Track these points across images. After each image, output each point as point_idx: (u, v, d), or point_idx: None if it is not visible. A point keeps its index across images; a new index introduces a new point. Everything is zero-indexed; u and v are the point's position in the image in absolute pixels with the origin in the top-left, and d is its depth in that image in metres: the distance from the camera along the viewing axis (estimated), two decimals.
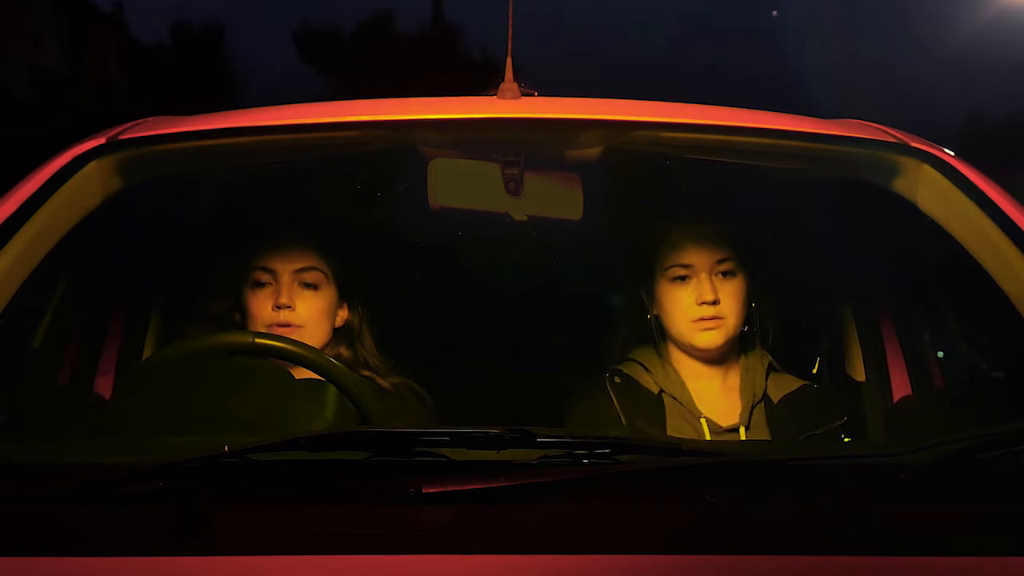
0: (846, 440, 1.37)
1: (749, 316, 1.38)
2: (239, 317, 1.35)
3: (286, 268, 1.34)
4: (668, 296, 1.36)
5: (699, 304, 1.34)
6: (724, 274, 1.35)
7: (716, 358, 1.38)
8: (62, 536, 0.80)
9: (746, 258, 1.38)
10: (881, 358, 1.51)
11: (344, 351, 1.37)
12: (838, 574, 0.78)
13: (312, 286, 1.34)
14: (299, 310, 1.32)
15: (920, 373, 1.50)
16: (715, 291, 1.33)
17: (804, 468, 0.89)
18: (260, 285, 1.33)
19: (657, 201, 1.45)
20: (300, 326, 1.32)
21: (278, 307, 1.31)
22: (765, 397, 1.37)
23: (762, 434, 1.34)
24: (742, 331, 1.38)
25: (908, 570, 0.78)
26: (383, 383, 1.36)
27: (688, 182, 1.41)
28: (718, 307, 1.33)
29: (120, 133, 1.27)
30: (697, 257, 1.35)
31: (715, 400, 1.38)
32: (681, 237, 1.37)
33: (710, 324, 1.34)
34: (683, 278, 1.35)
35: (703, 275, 1.34)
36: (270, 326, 1.30)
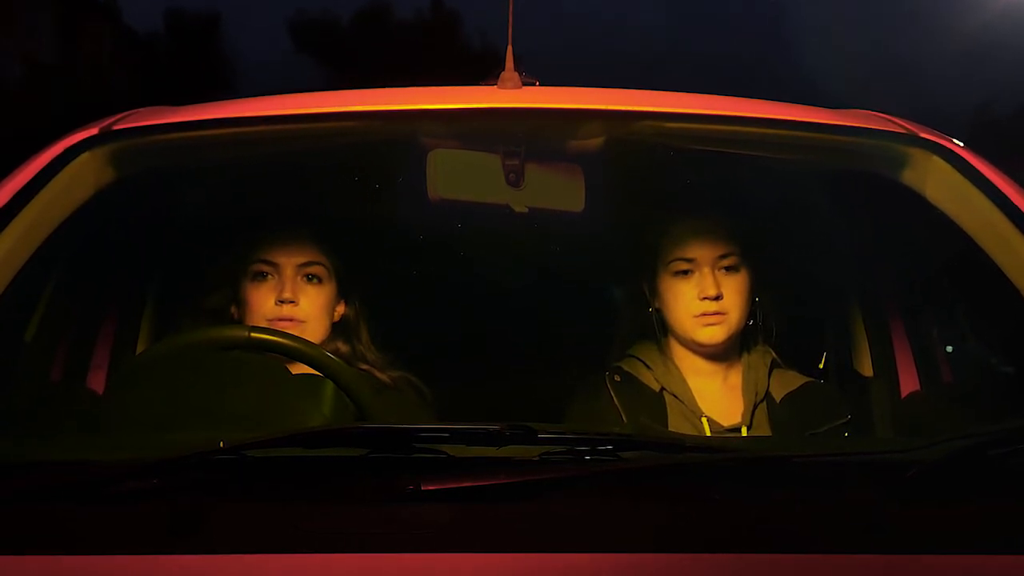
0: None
1: (753, 311, 1.37)
2: (236, 311, 1.33)
3: (289, 262, 1.31)
4: (670, 290, 1.35)
5: (701, 299, 1.32)
6: (727, 269, 1.33)
7: (718, 354, 1.37)
8: (55, 534, 0.78)
9: (750, 252, 1.36)
10: (889, 353, 1.50)
11: (341, 346, 1.35)
12: (844, 573, 0.76)
13: (315, 280, 1.32)
14: (302, 305, 1.30)
15: (928, 368, 1.49)
16: (718, 286, 1.32)
17: (810, 465, 0.88)
18: (261, 278, 1.31)
19: (660, 193, 1.44)
20: (303, 321, 1.30)
21: (281, 301, 1.29)
22: (768, 395, 1.36)
23: (764, 434, 1.32)
24: (746, 326, 1.37)
25: (916, 568, 0.77)
26: (382, 377, 1.34)
27: (692, 174, 1.39)
28: (720, 302, 1.32)
29: (113, 123, 1.25)
30: (700, 251, 1.34)
31: (717, 398, 1.36)
32: (684, 230, 1.35)
33: (712, 319, 1.32)
34: (685, 272, 1.34)
35: (706, 269, 1.33)
36: (272, 320, 1.28)
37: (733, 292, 1.33)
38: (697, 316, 1.33)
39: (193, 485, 0.82)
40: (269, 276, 1.31)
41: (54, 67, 12.61)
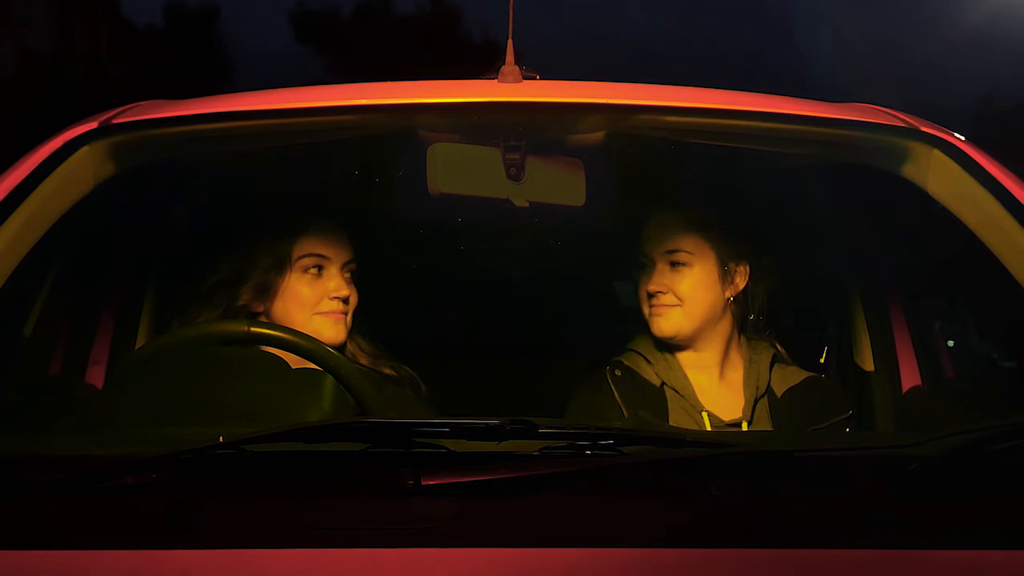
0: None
1: (751, 305, 1.36)
2: (254, 303, 1.30)
3: (338, 257, 1.32)
4: (639, 284, 1.37)
5: (649, 293, 1.34)
6: (673, 264, 1.35)
7: (719, 349, 1.36)
8: (53, 529, 0.78)
9: (750, 247, 1.35)
10: (890, 347, 1.50)
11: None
12: (845, 567, 0.76)
13: (353, 276, 1.33)
14: (351, 300, 1.32)
15: (930, 363, 1.49)
16: (659, 281, 1.34)
17: (811, 460, 0.87)
18: (311, 272, 1.31)
19: (651, 187, 1.44)
20: (348, 315, 1.31)
21: (336, 297, 1.30)
22: (769, 390, 1.36)
23: (765, 429, 1.33)
24: (748, 321, 1.37)
25: (917, 564, 0.77)
26: (381, 371, 1.34)
27: (691, 168, 1.39)
28: (666, 297, 1.34)
29: (113, 117, 1.24)
30: (650, 246, 1.36)
31: (718, 393, 1.36)
32: (645, 226, 1.37)
33: (658, 311, 1.35)
34: (643, 266, 1.36)
35: (654, 265, 1.35)
36: (325, 314, 1.29)
37: (682, 287, 1.34)
38: (648, 309, 1.35)
39: (192, 480, 0.82)
40: (320, 270, 1.31)
41: (52, 61, 12.55)
